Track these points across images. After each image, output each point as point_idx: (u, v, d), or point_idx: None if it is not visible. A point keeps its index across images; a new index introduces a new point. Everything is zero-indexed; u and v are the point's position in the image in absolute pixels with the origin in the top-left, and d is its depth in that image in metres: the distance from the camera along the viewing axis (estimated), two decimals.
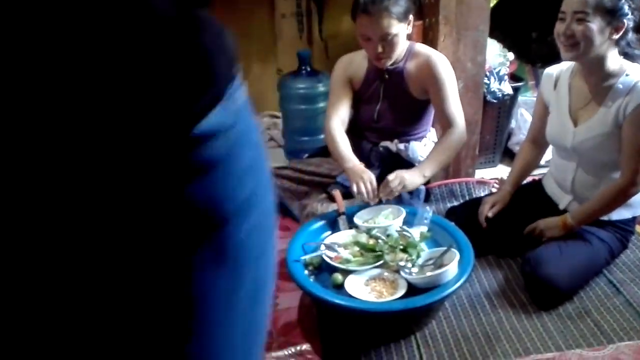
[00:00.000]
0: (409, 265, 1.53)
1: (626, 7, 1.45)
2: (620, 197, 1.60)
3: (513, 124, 2.56)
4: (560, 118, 1.68)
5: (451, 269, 1.46)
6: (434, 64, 1.84)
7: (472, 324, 1.56)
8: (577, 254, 1.62)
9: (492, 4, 2.07)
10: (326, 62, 2.96)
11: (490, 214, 1.79)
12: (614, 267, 1.76)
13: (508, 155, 2.60)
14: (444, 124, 1.90)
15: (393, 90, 1.94)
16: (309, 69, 2.67)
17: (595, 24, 1.46)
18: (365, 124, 2.04)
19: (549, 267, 1.58)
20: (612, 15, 1.45)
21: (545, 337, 1.50)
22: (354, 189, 1.78)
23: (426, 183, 2.20)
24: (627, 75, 1.52)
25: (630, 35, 1.53)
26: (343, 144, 1.91)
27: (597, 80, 1.57)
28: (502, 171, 2.52)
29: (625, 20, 1.46)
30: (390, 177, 1.77)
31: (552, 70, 1.73)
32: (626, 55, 1.55)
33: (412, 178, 1.81)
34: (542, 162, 1.96)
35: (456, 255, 1.50)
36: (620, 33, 1.48)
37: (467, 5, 1.96)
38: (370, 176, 1.79)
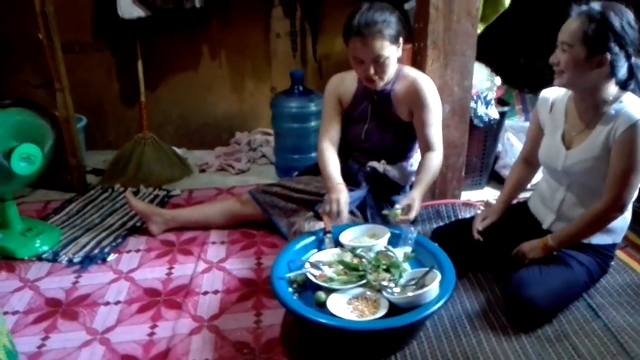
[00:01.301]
0: (392, 285, 1.56)
1: (612, 42, 1.47)
2: (601, 221, 1.63)
3: (500, 147, 2.61)
4: (554, 141, 1.71)
5: (432, 290, 1.49)
6: (420, 87, 1.89)
7: (453, 345, 1.58)
8: (557, 277, 1.64)
9: (479, 31, 2.12)
10: (319, 82, 3.02)
11: (480, 227, 1.82)
12: (594, 292, 1.79)
13: (495, 178, 2.65)
14: (424, 147, 1.95)
15: (381, 112, 1.98)
16: (301, 88, 2.72)
17: (577, 55, 1.50)
18: (353, 144, 2.08)
19: (530, 289, 1.60)
20: (594, 48, 1.48)
21: (522, 358, 1.52)
22: (321, 208, 1.85)
23: None
24: (620, 102, 1.55)
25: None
26: (330, 164, 1.97)
27: (590, 107, 1.60)
28: (489, 193, 2.57)
29: (608, 55, 1.48)
30: (412, 200, 1.80)
31: (549, 94, 1.77)
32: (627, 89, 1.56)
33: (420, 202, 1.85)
34: (528, 185, 1.99)
35: (437, 276, 1.53)
36: (605, 67, 1.50)
37: (455, 32, 2.01)
38: (341, 198, 1.82)
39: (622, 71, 1.52)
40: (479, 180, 2.58)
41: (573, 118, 1.67)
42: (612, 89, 1.57)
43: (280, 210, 2.17)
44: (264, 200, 2.18)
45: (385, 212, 1.84)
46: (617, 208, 1.58)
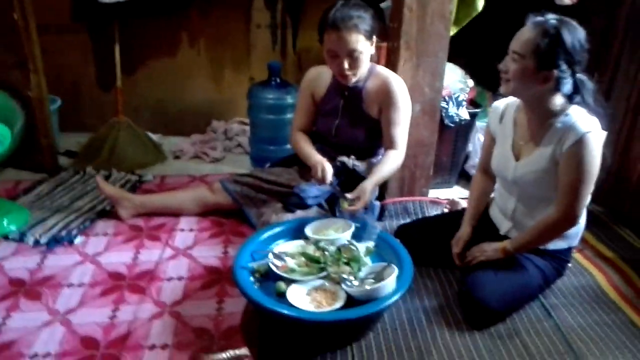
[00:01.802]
0: (351, 278, 1.60)
1: (561, 60, 1.49)
2: (554, 231, 1.67)
3: (470, 147, 2.66)
4: (504, 151, 1.75)
5: (389, 284, 1.53)
6: (391, 87, 1.93)
7: (407, 338, 1.62)
8: (511, 279, 1.69)
9: (452, 33, 2.15)
10: (298, 75, 3.03)
11: (456, 250, 1.84)
12: (549, 292, 1.85)
13: (464, 178, 2.70)
14: (387, 144, 2.00)
15: (351, 108, 2.02)
16: (278, 80, 2.73)
17: (525, 67, 1.52)
18: (324, 138, 2.11)
19: (483, 290, 1.65)
20: (543, 63, 1.50)
21: (474, 354, 1.57)
22: (314, 173, 1.92)
23: (381, 199, 2.28)
24: (567, 114, 1.58)
25: (587, 97, 1.57)
26: (307, 146, 2.05)
27: (538, 118, 1.64)
28: (458, 192, 2.62)
29: (555, 71, 1.51)
30: (362, 194, 1.86)
31: (499, 103, 1.80)
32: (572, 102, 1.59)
33: (371, 195, 1.91)
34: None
35: (395, 270, 1.57)
36: (551, 82, 1.53)
37: (428, 33, 2.04)
38: (324, 162, 1.92)
39: (567, 87, 1.55)
40: (449, 178, 2.63)
41: (522, 129, 1.71)
42: (558, 100, 1.60)
43: (250, 201, 2.20)
44: (234, 189, 2.20)
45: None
46: (569, 219, 1.62)
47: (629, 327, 1.70)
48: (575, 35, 1.50)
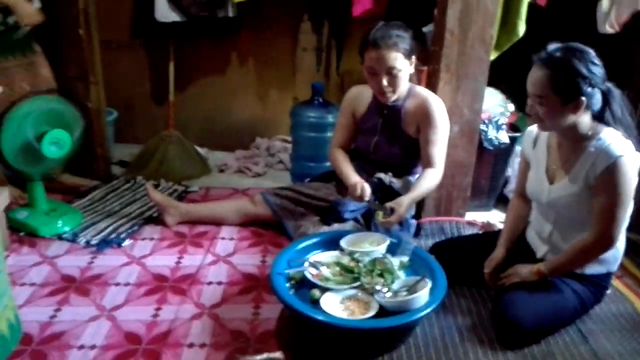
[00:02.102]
0: (384, 289, 1.63)
1: (583, 86, 1.51)
2: (590, 254, 1.66)
3: (510, 172, 2.66)
4: (538, 175, 1.76)
5: (422, 296, 1.55)
6: (429, 106, 1.99)
7: (439, 353, 1.63)
8: (546, 300, 1.68)
9: (493, 58, 2.20)
10: (340, 96, 3.11)
11: (487, 270, 1.84)
12: (586, 318, 1.82)
13: (502, 201, 2.69)
14: (425, 163, 2.04)
15: (390, 126, 2.08)
16: (321, 99, 2.83)
17: (552, 105, 1.54)
18: (363, 154, 2.18)
19: (517, 309, 1.65)
20: (568, 95, 1.52)
21: None
22: (351, 192, 1.97)
23: (417, 218, 2.31)
24: (599, 138, 1.58)
25: (615, 107, 1.59)
26: (346, 166, 2.11)
27: (571, 143, 1.65)
28: (495, 215, 2.61)
29: (583, 98, 1.52)
30: (397, 206, 1.89)
31: (533, 128, 1.82)
32: (603, 121, 1.61)
33: (407, 211, 1.94)
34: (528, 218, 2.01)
35: (428, 284, 1.59)
36: (582, 109, 1.54)
37: (468, 56, 2.09)
38: (365, 185, 1.97)
39: (598, 104, 1.57)
40: (487, 202, 2.63)
41: (555, 152, 1.72)
42: (588, 121, 1.60)
43: (289, 213, 2.27)
44: (274, 202, 2.28)
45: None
46: (605, 242, 1.62)
47: None
48: (586, 57, 1.52)
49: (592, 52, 1.54)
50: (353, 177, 2.04)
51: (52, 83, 2.46)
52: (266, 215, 2.32)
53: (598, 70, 1.53)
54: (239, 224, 2.38)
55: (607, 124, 1.61)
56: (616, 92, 1.59)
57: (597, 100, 1.56)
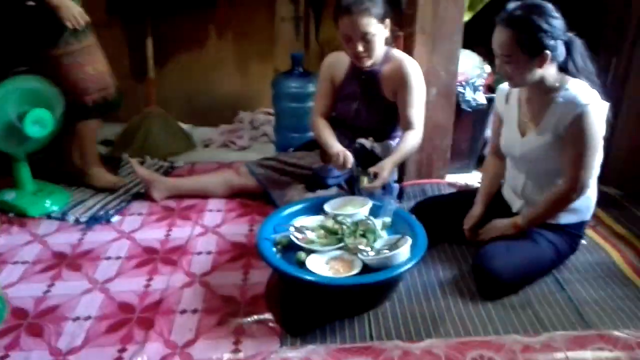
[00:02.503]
0: (367, 248, 1.69)
1: (545, 40, 1.56)
2: (562, 202, 1.73)
3: (488, 133, 2.71)
4: (511, 129, 1.82)
5: (402, 252, 1.61)
6: (405, 69, 2.02)
7: (422, 307, 1.70)
8: (523, 251, 1.76)
9: (467, 19, 2.22)
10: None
11: (466, 226, 1.92)
12: (563, 268, 1.90)
13: (483, 162, 2.74)
14: (404, 125, 2.08)
15: (369, 91, 2.11)
16: (301, 69, 2.84)
17: (519, 62, 1.60)
18: (343, 121, 2.21)
19: (495, 261, 1.72)
20: (533, 51, 1.58)
21: (486, 322, 1.64)
22: (334, 161, 2.01)
23: (399, 182, 2.36)
24: (566, 89, 1.65)
25: (576, 56, 1.65)
26: (327, 134, 2.13)
27: (540, 96, 1.71)
28: (476, 177, 2.67)
29: (547, 52, 1.58)
30: (380, 170, 1.94)
31: (504, 86, 1.87)
32: (567, 72, 1.67)
33: (389, 173, 2.00)
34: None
35: (408, 240, 1.65)
36: (547, 62, 1.60)
37: (442, 18, 2.12)
38: (347, 153, 2.00)
39: (562, 56, 1.63)
40: (467, 163, 2.69)
41: (525, 106, 1.78)
42: (554, 73, 1.66)
43: (274, 183, 2.31)
44: (259, 172, 2.32)
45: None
46: (577, 189, 1.68)
47: None
48: (545, 12, 1.57)
49: (549, 6, 1.59)
50: (335, 146, 2.07)
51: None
52: (252, 186, 2.35)
53: (558, 22, 1.58)
54: (225, 196, 2.41)
55: (572, 75, 1.66)
56: (577, 42, 1.65)
57: (561, 51, 1.62)
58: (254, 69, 3.32)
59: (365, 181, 1.95)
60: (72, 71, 2.21)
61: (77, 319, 1.65)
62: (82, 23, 2.14)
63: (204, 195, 2.42)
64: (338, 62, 2.17)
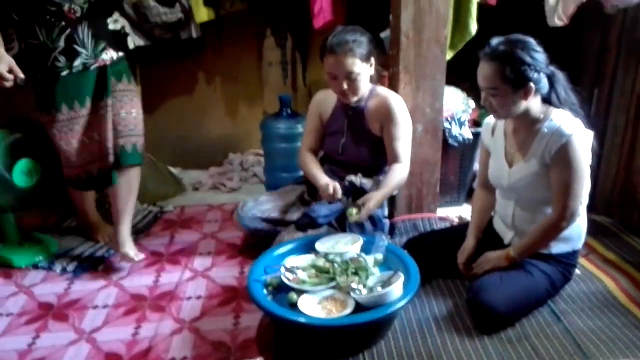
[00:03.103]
0: (360, 287, 1.66)
1: (529, 73, 1.60)
2: (552, 232, 1.73)
3: (476, 166, 2.73)
4: (498, 161, 1.84)
5: (395, 289, 1.59)
6: (390, 104, 2.06)
7: (418, 345, 1.67)
8: (517, 283, 1.74)
9: (449, 57, 2.27)
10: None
11: (461, 260, 1.92)
12: (558, 298, 1.87)
13: (472, 196, 2.75)
14: (391, 159, 2.10)
15: (355, 126, 2.14)
16: (289, 111, 2.88)
17: (505, 95, 1.63)
18: (331, 156, 2.23)
19: (489, 294, 1.70)
20: (517, 83, 1.61)
21: (484, 357, 1.60)
22: (322, 193, 2.03)
23: (390, 217, 2.36)
24: (551, 120, 1.67)
25: (559, 88, 1.68)
26: (314, 167, 2.15)
27: (526, 127, 1.74)
28: (467, 210, 2.67)
29: (531, 85, 1.62)
30: (367, 201, 1.96)
31: (490, 119, 1.91)
32: (551, 103, 1.71)
33: (377, 204, 2.00)
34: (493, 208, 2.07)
35: (400, 277, 1.63)
36: (531, 94, 1.64)
37: (424, 57, 2.17)
38: (330, 182, 2.02)
39: (545, 88, 1.66)
40: (457, 197, 2.70)
41: (511, 138, 1.81)
42: (538, 105, 1.70)
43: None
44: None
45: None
46: (566, 217, 1.69)
47: (639, 328, 1.72)
48: (527, 46, 1.61)
49: (532, 41, 1.63)
50: (323, 178, 2.08)
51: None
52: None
53: (540, 56, 1.62)
54: None
55: (555, 105, 1.69)
56: (559, 75, 1.69)
57: (544, 84, 1.66)
58: (243, 112, 3.35)
59: (353, 213, 1.95)
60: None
61: None
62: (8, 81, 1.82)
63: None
64: (326, 98, 2.21)
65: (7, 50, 1.87)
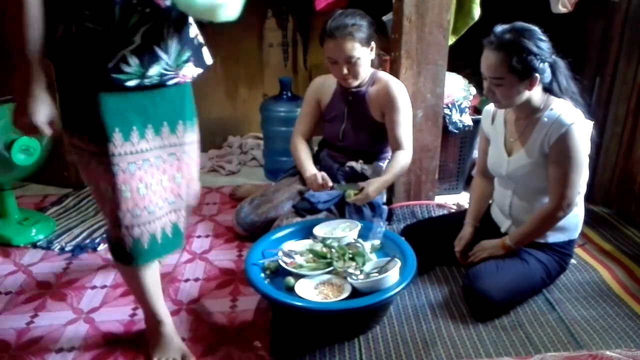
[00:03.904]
0: (356, 272, 1.67)
1: (535, 63, 1.58)
2: (549, 221, 1.74)
3: (476, 154, 2.72)
4: (497, 149, 1.84)
5: (392, 275, 1.60)
6: (391, 89, 2.04)
7: (413, 330, 1.69)
8: (512, 271, 1.75)
9: (451, 42, 2.25)
10: None
11: (457, 249, 1.92)
12: (553, 288, 1.89)
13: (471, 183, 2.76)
14: (394, 146, 2.09)
15: (356, 112, 2.13)
16: (289, 94, 2.85)
17: (510, 85, 1.61)
18: (331, 143, 2.22)
19: (485, 282, 1.71)
20: (524, 74, 1.60)
21: (478, 344, 1.63)
22: (309, 185, 2.04)
23: (389, 204, 2.36)
24: (551, 109, 1.67)
25: (560, 77, 1.67)
26: (303, 156, 2.15)
27: (526, 116, 1.73)
28: (465, 197, 2.68)
29: (537, 75, 1.60)
30: (367, 185, 1.96)
31: (490, 107, 1.90)
32: (552, 92, 1.70)
33: (377, 191, 2.00)
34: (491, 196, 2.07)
35: (397, 263, 1.64)
36: (536, 84, 1.63)
37: (427, 42, 2.15)
38: (317, 173, 2.03)
39: (548, 77, 1.65)
40: (456, 184, 2.70)
41: (511, 126, 1.80)
42: (540, 94, 1.69)
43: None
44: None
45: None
46: (563, 207, 1.69)
47: (632, 318, 1.74)
48: (533, 35, 1.59)
49: (537, 29, 1.61)
50: (309, 169, 2.07)
51: None
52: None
53: (545, 45, 1.61)
54: None
55: (556, 95, 1.68)
56: (561, 63, 1.67)
57: (548, 73, 1.64)
58: (243, 94, 3.33)
59: (352, 195, 1.96)
60: None
61: (60, 350, 1.62)
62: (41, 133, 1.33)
63: None
64: (325, 84, 2.19)
65: (48, 36, 1.25)
